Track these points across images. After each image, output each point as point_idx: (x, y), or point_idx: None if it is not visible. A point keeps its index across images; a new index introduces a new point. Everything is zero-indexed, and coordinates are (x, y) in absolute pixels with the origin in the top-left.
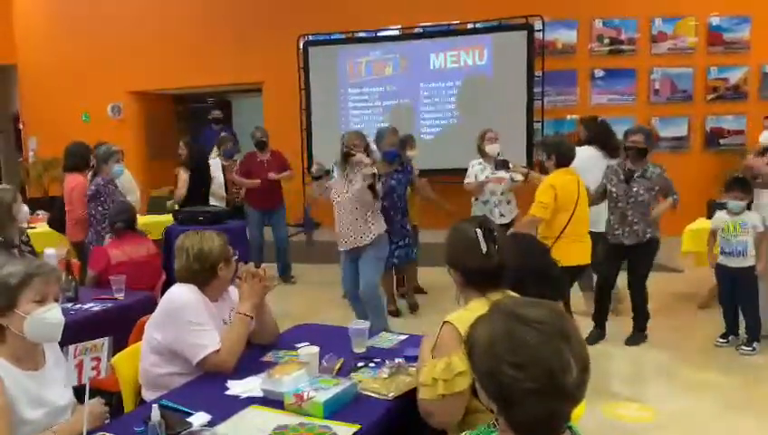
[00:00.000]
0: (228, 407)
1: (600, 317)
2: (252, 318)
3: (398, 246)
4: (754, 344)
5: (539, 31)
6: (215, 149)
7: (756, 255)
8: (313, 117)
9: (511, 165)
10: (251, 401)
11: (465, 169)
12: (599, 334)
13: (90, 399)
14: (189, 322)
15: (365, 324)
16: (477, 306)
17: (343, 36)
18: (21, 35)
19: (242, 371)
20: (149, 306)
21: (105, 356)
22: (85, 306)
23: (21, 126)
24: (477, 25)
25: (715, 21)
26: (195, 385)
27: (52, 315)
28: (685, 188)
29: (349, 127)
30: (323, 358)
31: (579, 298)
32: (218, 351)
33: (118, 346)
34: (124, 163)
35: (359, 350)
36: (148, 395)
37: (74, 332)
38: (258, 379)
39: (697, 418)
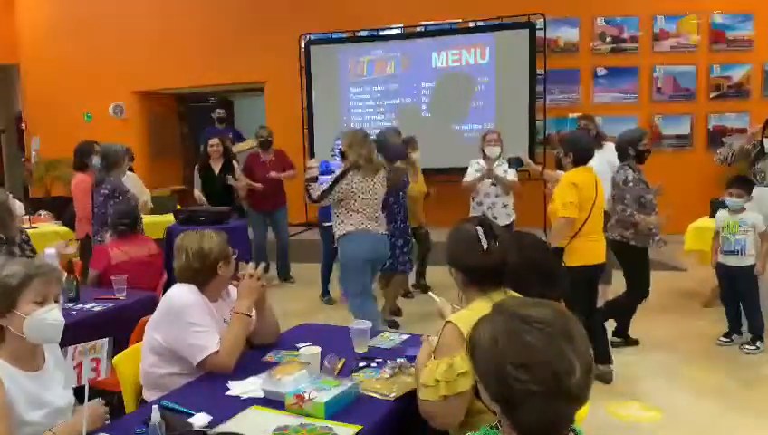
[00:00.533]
0: (229, 407)
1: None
2: (250, 317)
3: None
4: (758, 343)
5: (541, 29)
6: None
7: (756, 254)
8: (315, 116)
9: (524, 162)
10: (252, 401)
11: (467, 169)
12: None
13: (90, 399)
14: (189, 323)
15: (366, 324)
16: (479, 306)
17: (345, 35)
18: (23, 35)
19: (243, 371)
20: (151, 306)
21: (105, 357)
22: (86, 306)
23: (23, 126)
24: (479, 24)
25: (717, 19)
26: (195, 386)
27: (52, 316)
28: (687, 186)
29: (350, 125)
30: (325, 358)
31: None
32: (218, 351)
33: (119, 346)
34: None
35: (360, 350)
36: (148, 396)
37: (75, 332)
38: (259, 379)
39: (700, 417)
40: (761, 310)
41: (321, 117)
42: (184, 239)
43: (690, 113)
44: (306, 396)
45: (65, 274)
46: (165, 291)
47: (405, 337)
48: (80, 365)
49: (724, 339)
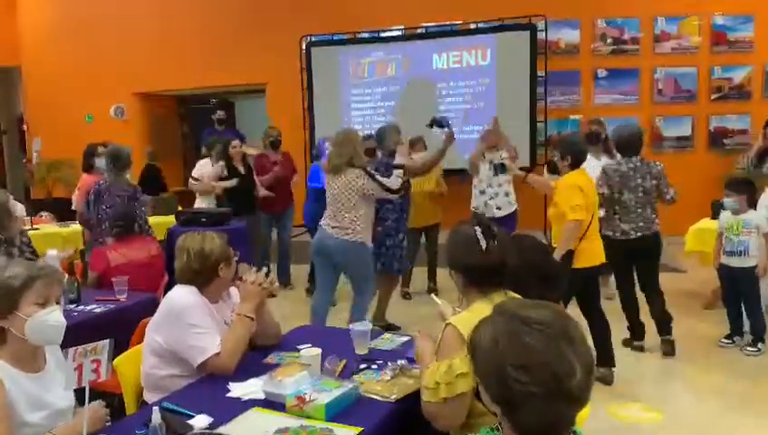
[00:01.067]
0: (230, 409)
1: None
2: (252, 319)
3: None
4: (759, 345)
5: (542, 31)
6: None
7: (759, 255)
8: (316, 117)
9: (507, 168)
10: (253, 403)
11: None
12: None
13: (91, 401)
14: (190, 324)
15: (367, 326)
16: (480, 308)
17: (346, 37)
18: (25, 37)
19: (244, 373)
20: (152, 308)
21: (105, 359)
22: (87, 308)
23: (25, 127)
24: (480, 25)
25: (718, 20)
26: (196, 387)
27: (54, 318)
28: (688, 187)
29: (350, 127)
30: (325, 360)
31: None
32: (219, 353)
33: (120, 348)
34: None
35: (361, 351)
36: (149, 397)
37: (77, 333)
38: (260, 381)
39: (701, 419)
40: (762, 311)
41: (322, 118)
42: (185, 240)
43: (691, 115)
44: (307, 398)
45: (66, 275)
46: (166, 292)
47: (405, 339)
48: (80, 367)
49: (726, 341)
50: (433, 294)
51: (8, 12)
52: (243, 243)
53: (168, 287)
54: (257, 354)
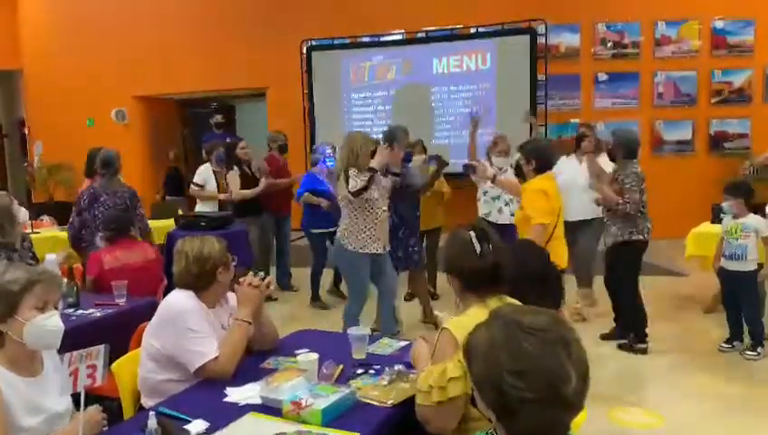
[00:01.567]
0: (227, 414)
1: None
2: (250, 324)
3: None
4: (758, 349)
5: (542, 35)
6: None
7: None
8: (317, 121)
9: (478, 170)
10: (249, 408)
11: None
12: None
13: (89, 405)
14: (187, 329)
15: (365, 330)
16: (475, 312)
17: (346, 41)
18: (26, 41)
19: (241, 377)
20: (151, 312)
21: (101, 364)
22: (86, 312)
23: (26, 131)
24: (480, 30)
25: (718, 24)
26: (193, 392)
27: (52, 323)
28: (689, 191)
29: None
30: (323, 365)
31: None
32: (216, 358)
33: (119, 352)
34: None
35: (358, 356)
36: (147, 402)
37: (75, 337)
38: (257, 386)
39: (701, 423)
40: (761, 316)
41: (323, 122)
42: (184, 244)
43: (691, 119)
44: (303, 403)
45: (65, 279)
46: (165, 296)
47: (403, 344)
48: (75, 372)
49: (726, 345)
50: (436, 311)
51: (9, 15)
52: (242, 247)
53: (168, 291)
54: (255, 359)
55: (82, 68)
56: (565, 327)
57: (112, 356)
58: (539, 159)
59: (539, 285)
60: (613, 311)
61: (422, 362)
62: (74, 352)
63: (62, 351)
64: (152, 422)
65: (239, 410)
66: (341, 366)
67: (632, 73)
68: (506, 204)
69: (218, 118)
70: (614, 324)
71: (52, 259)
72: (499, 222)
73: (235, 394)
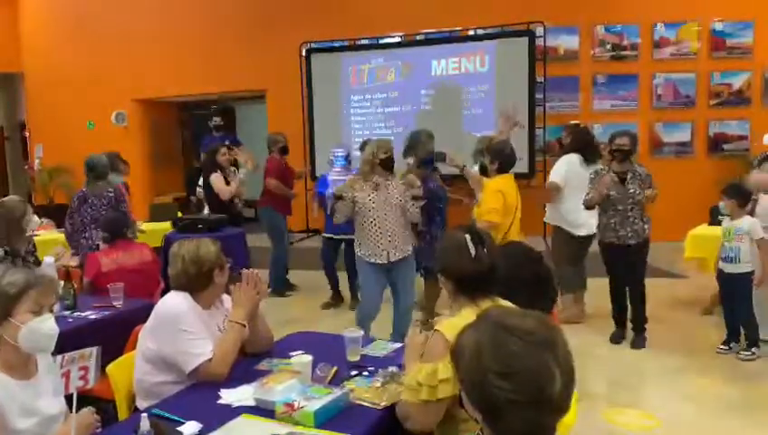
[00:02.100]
0: (220, 416)
1: (620, 316)
2: (245, 326)
3: None
4: (753, 349)
5: (540, 37)
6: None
7: (753, 262)
8: (316, 124)
9: (448, 158)
10: (243, 409)
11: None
12: (621, 333)
13: (83, 408)
14: (182, 330)
15: (359, 332)
16: (467, 314)
17: (346, 43)
18: (27, 44)
19: (235, 379)
20: (148, 314)
21: (93, 366)
22: (83, 314)
23: (27, 133)
24: (479, 32)
25: (717, 26)
26: (187, 394)
27: (48, 326)
28: (688, 193)
29: (351, 133)
30: (317, 367)
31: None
32: (211, 360)
33: (116, 354)
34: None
35: (353, 358)
36: (141, 404)
37: (72, 339)
38: (251, 388)
39: (698, 425)
40: (755, 316)
41: (323, 124)
42: (180, 246)
43: (690, 120)
44: (296, 405)
45: (63, 282)
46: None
47: (398, 346)
48: (67, 373)
49: (723, 347)
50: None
51: (10, 18)
52: (238, 250)
53: (164, 294)
54: (249, 361)
55: (83, 71)
56: (553, 330)
57: (109, 358)
58: (502, 159)
59: (531, 287)
60: (619, 312)
61: (410, 361)
62: (66, 354)
63: (58, 353)
64: (145, 424)
65: (232, 412)
66: (336, 368)
67: (631, 75)
68: None
69: (217, 120)
70: (614, 326)
71: (50, 262)
72: None
73: (229, 396)
